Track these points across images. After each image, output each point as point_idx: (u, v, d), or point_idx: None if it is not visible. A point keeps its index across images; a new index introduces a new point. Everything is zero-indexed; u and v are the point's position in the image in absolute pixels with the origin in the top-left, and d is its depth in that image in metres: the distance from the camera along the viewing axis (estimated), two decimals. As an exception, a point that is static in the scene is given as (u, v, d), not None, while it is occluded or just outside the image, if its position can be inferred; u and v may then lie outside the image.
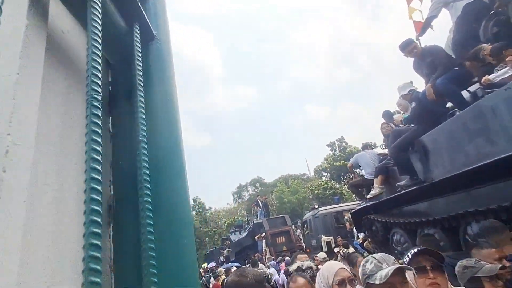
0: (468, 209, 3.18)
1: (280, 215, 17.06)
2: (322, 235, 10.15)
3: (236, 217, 39.22)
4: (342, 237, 9.71)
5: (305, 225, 12.11)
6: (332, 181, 41.16)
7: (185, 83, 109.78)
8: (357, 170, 6.92)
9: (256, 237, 16.68)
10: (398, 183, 4.35)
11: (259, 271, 1.83)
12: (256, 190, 46.61)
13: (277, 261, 11.64)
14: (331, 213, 10.59)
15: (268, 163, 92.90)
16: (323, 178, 43.34)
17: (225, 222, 41.30)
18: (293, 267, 2.81)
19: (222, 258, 23.74)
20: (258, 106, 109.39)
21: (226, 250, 22.52)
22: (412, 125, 4.36)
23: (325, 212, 10.65)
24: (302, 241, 14.76)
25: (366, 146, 6.31)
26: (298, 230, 16.37)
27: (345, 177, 41.63)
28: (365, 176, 5.92)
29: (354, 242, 8.58)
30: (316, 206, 11.24)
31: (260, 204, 19.69)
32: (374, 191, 5.20)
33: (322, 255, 7.03)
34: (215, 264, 21.50)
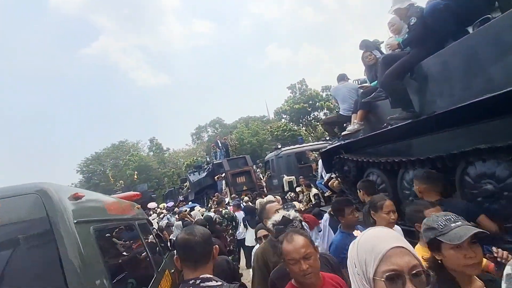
0: (476, 146, 2.63)
1: (241, 156, 16.65)
2: (284, 175, 9.88)
3: (195, 158, 38.74)
4: (304, 177, 9.50)
5: (267, 166, 11.79)
6: (291, 123, 41.59)
7: (133, 11, 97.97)
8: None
9: (215, 177, 16.32)
10: (390, 117, 3.70)
11: (206, 230, 1.69)
12: (215, 131, 45.74)
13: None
14: (294, 153, 10.24)
15: (228, 104, 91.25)
16: (283, 120, 43.53)
17: (184, 163, 40.79)
18: (275, 218, 2.11)
19: (181, 198, 23.56)
20: (218, 44, 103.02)
21: (185, 189, 22.22)
22: (409, 48, 3.58)
23: (288, 152, 10.28)
24: (262, 181, 14.67)
25: (343, 78, 5.51)
26: (258, 170, 16.23)
27: (304, 119, 42.34)
28: (340, 112, 5.27)
29: (317, 181, 8.37)
30: (279, 146, 10.80)
31: (220, 145, 19.04)
32: (352, 127, 4.59)
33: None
34: (173, 203, 21.29)
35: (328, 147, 5.48)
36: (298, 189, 9.61)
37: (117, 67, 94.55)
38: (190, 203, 16.97)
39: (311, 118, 42.20)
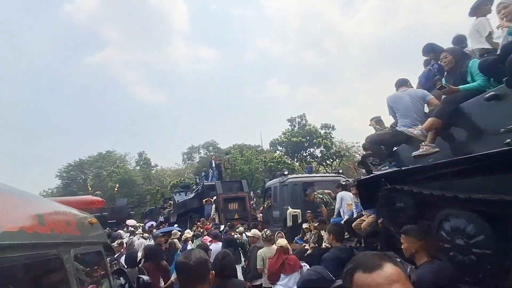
0: None
1: (237, 179, 14.97)
2: (289, 207, 8.28)
3: (182, 179, 36.61)
4: (312, 212, 7.92)
5: (267, 193, 10.19)
6: (286, 156, 40.33)
7: (144, 28, 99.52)
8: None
9: (204, 200, 14.50)
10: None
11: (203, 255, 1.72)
12: (208, 153, 43.95)
13: (225, 231, 9.62)
14: (301, 183, 8.72)
15: (224, 130, 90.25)
16: (278, 152, 42.31)
17: (170, 182, 38.55)
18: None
19: (161, 218, 21.31)
20: (221, 71, 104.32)
21: (166, 210, 20.08)
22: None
23: (296, 181, 8.75)
24: (257, 212, 12.90)
25: (405, 83, 4.13)
26: (253, 200, 14.48)
27: (299, 154, 41.11)
28: (398, 129, 3.85)
29: (332, 219, 6.79)
30: (286, 172, 9.27)
31: (213, 165, 17.35)
32: (429, 147, 3.17)
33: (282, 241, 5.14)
34: (154, 223, 19.08)
35: (377, 173, 3.99)
36: (304, 225, 7.96)
37: (119, 79, 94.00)
38: (176, 225, 14.98)
39: (307, 153, 41.15)
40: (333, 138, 40.29)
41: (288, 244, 6.63)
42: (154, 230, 13.04)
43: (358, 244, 6.27)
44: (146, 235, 11.13)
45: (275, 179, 9.52)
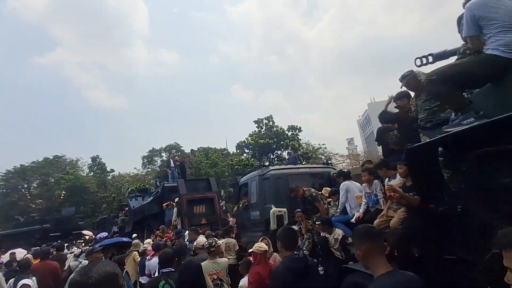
0: None
1: (204, 178, 12.83)
2: (272, 205, 6.44)
3: (142, 184, 33.27)
4: (303, 212, 6.18)
5: (241, 191, 8.27)
6: (253, 159, 38.67)
7: (100, 28, 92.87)
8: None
9: (164, 204, 12.17)
10: None
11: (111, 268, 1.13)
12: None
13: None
14: (286, 175, 6.94)
15: (189, 134, 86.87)
16: (245, 154, 40.59)
17: (128, 188, 34.93)
18: None
19: (115, 229, 18.34)
20: (184, 76, 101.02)
21: (120, 218, 17.21)
22: None
23: (279, 173, 6.93)
24: (228, 215, 10.87)
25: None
26: (223, 202, 12.39)
27: (266, 156, 39.65)
28: (491, 51, 2.22)
29: (334, 218, 5.07)
30: (267, 163, 7.41)
31: (173, 165, 14.97)
32: None
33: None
34: (107, 234, 16.17)
35: (461, 129, 2.27)
36: (295, 227, 6.16)
37: (71, 82, 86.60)
38: (134, 235, 12.44)
39: (274, 155, 39.89)
40: (300, 140, 39.61)
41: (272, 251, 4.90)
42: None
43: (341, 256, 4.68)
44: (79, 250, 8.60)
45: (252, 173, 7.63)
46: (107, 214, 28.62)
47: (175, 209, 10.12)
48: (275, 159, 39.58)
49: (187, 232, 7.83)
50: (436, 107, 3.41)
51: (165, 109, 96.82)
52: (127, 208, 17.50)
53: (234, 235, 7.97)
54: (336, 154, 36.10)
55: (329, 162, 7.81)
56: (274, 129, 39.33)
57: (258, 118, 40.59)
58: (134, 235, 12.50)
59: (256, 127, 40.69)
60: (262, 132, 39.85)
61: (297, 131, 40.01)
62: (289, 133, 39.28)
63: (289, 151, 38.47)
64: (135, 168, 43.50)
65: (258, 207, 6.95)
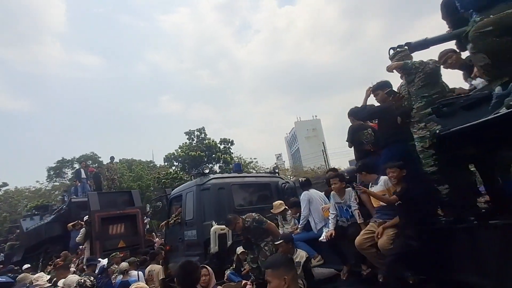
0: None
1: (124, 190, 10.68)
2: (213, 222, 5.16)
3: (46, 201, 27.67)
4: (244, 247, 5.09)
5: (172, 206, 6.71)
6: (182, 172, 36.21)
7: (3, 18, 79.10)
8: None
9: (70, 224, 9.64)
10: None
11: None
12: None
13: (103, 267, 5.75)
14: (230, 185, 5.72)
15: (109, 145, 78.39)
16: (173, 167, 37.79)
17: (27, 206, 28.73)
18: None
19: (0, 257, 14.27)
20: (106, 81, 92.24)
21: (8, 244, 13.39)
22: None
23: (222, 183, 5.66)
24: (154, 235, 9.00)
25: None
26: (146, 220, 10.38)
27: (196, 170, 37.60)
28: None
29: (295, 236, 4.04)
30: (207, 171, 6.06)
31: (83, 176, 12.33)
32: None
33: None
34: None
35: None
36: (239, 250, 4.99)
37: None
38: (25, 266, 9.45)
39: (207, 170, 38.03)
40: (232, 153, 38.72)
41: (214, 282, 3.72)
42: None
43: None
44: None
45: (188, 183, 6.21)
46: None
47: (82, 230, 7.88)
48: (208, 172, 37.75)
49: (104, 260, 5.97)
50: (436, 94, 2.75)
51: (82, 116, 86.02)
52: (18, 231, 13.80)
53: (162, 260, 6.38)
54: (267, 168, 36.24)
55: (276, 171, 6.90)
56: (206, 141, 37.71)
57: (190, 130, 38.64)
58: (26, 266, 9.57)
59: (187, 138, 38.53)
60: (194, 144, 37.85)
61: (229, 144, 39.10)
62: (221, 146, 38.14)
63: (221, 164, 37.19)
64: (37, 181, 36.38)
65: (195, 224, 5.56)
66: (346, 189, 3.67)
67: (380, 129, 3.51)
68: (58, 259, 9.38)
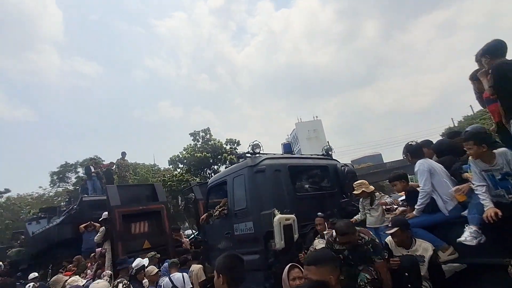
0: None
1: (145, 183, 9.50)
2: (275, 210, 4.03)
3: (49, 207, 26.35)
4: (326, 218, 3.96)
5: (209, 196, 5.55)
6: (188, 174, 34.99)
7: None
8: None
9: (82, 225, 8.47)
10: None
11: None
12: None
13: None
14: (287, 167, 4.57)
15: (111, 150, 77.22)
16: (178, 170, 36.58)
17: (29, 212, 27.44)
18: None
19: (3, 266, 12.97)
20: (105, 88, 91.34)
21: (13, 250, 12.13)
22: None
23: (278, 164, 4.53)
24: (181, 233, 7.83)
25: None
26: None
27: (202, 172, 36.26)
28: None
29: (410, 221, 2.94)
30: (258, 150, 4.84)
31: (93, 173, 11.13)
32: None
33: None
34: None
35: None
36: (317, 244, 3.86)
37: None
38: (34, 274, 8.25)
39: (211, 171, 36.85)
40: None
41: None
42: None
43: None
44: None
45: (232, 166, 5.01)
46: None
47: (102, 228, 6.68)
48: (212, 174, 36.58)
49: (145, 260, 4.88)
50: None
51: (83, 123, 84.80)
52: (23, 236, 12.55)
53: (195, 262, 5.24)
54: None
55: (330, 153, 5.78)
56: (211, 142, 36.52)
57: (194, 131, 37.46)
58: (33, 274, 8.34)
59: (192, 139, 37.33)
60: (199, 146, 36.64)
61: (235, 144, 37.94)
62: (227, 147, 36.95)
63: (227, 165, 35.99)
64: (40, 187, 35.00)
65: (249, 215, 4.40)
66: (496, 151, 2.56)
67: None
68: (70, 265, 8.21)
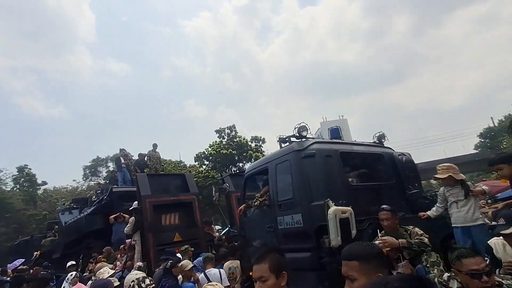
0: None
1: (175, 173, 9.20)
2: (329, 201, 3.41)
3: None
4: (392, 211, 3.24)
5: (246, 186, 5.01)
6: (214, 170, 34.96)
7: (36, 31, 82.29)
8: None
9: (112, 216, 8.26)
10: None
11: None
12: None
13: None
14: (338, 153, 3.93)
15: (139, 146, 79.63)
16: (204, 166, 36.69)
17: (64, 204, 28.53)
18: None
19: (38, 254, 13.24)
20: (134, 87, 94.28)
21: (47, 239, 12.35)
22: None
23: (328, 149, 3.89)
24: (212, 227, 7.39)
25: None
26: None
27: (227, 169, 36.13)
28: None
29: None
30: (305, 133, 4.23)
31: (123, 164, 10.99)
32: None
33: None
34: (23, 261, 11.28)
35: None
36: (381, 241, 3.17)
37: None
38: (70, 263, 8.15)
39: (236, 168, 36.60)
40: (264, 151, 36.94)
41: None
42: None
43: None
44: None
45: (278, 150, 4.43)
46: (30, 236, 22.28)
47: (131, 219, 6.35)
48: (237, 171, 36.32)
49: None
50: None
51: (113, 121, 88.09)
52: (57, 226, 12.74)
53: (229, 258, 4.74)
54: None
55: (382, 140, 5.03)
56: (237, 139, 36.26)
57: (220, 128, 37.44)
58: (70, 263, 8.17)
59: (218, 136, 37.28)
60: (224, 143, 36.52)
61: (260, 142, 37.45)
62: (253, 144, 36.51)
63: (253, 162, 35.63)
64: (74, 180, 36.43)
65: (297, 206, 3.79)
66: None
67: None
68: (100, 256, 8.03)
